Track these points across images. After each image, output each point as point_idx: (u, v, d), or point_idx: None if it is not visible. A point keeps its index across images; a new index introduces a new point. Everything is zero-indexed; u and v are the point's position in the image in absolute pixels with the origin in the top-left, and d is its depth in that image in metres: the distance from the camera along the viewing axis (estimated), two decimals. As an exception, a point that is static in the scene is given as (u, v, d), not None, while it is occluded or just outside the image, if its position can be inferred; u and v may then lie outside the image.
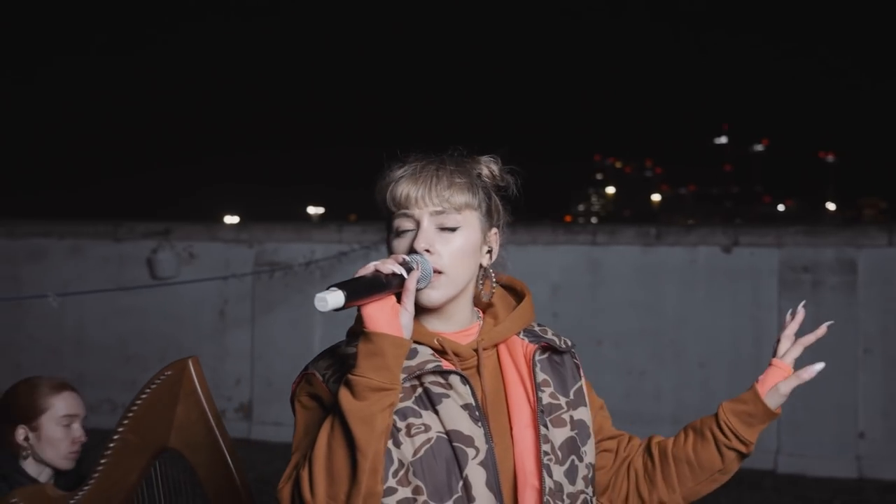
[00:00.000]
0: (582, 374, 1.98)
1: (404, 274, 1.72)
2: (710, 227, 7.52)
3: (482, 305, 1.96)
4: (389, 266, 1.70)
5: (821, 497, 6.60)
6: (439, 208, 1.82)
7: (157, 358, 8.31)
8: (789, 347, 1.95)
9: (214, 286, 7.99)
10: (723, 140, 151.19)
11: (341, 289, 1.61)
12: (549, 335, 1.97)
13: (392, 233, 1.85)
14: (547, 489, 1.81)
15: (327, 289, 1.62)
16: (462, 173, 1.86)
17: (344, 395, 1.66)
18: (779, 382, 1.93)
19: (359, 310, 1.68)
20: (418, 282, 1.76)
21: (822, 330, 1.95)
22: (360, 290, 1.65)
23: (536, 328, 1.98)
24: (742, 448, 1.95)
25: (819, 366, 1.93)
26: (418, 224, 1.81)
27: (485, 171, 1.91)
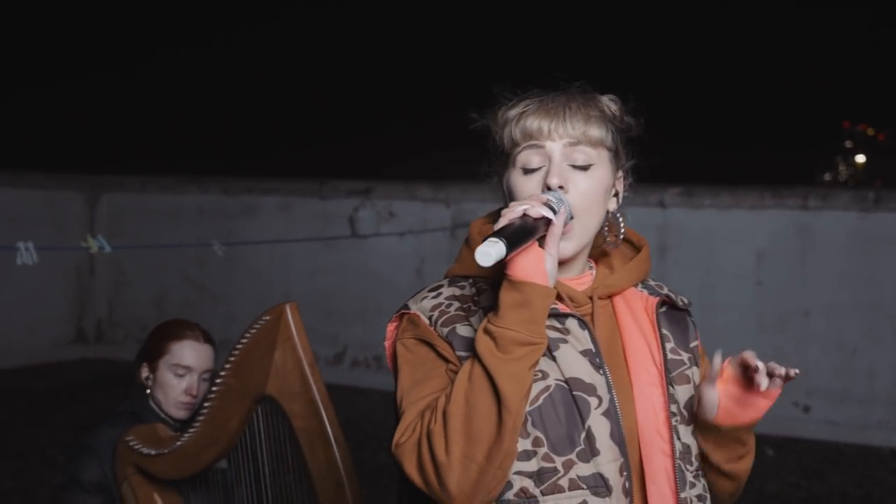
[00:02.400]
0: (698, 334, 1.81)
1: (552, 217, 1.56)
2: (935, 191, 6.85)
3: (595, 255, 1.80)
4: (538, 209, 1.55)
5: None
6: (573, 139, 1.66)
7: (357, 314, 8.50)
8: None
9: (412, 246, 8.06)
10: None
11: (500, 239, 1.48)
12: (666, 290, 1.82)
13: (514, 170, 1.69)
14: (678, 452, 1.67)
15: (484, 241, 1.48)
16: (593, 107, 1.71)
17: (486, 347, 1.53)
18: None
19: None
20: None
21: (791, 372, 1.61)
22: (518, 237, 1.51)
23: (652, 283, 1.82)
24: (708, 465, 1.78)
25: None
26: (549, 159, 1.66)
27: (607, 110, 1.73)
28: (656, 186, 7.60)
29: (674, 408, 1.68)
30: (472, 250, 1.62)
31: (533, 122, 1.67)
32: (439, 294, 1.72)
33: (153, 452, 2.50)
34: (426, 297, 1.72)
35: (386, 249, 8.21)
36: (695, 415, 1.72)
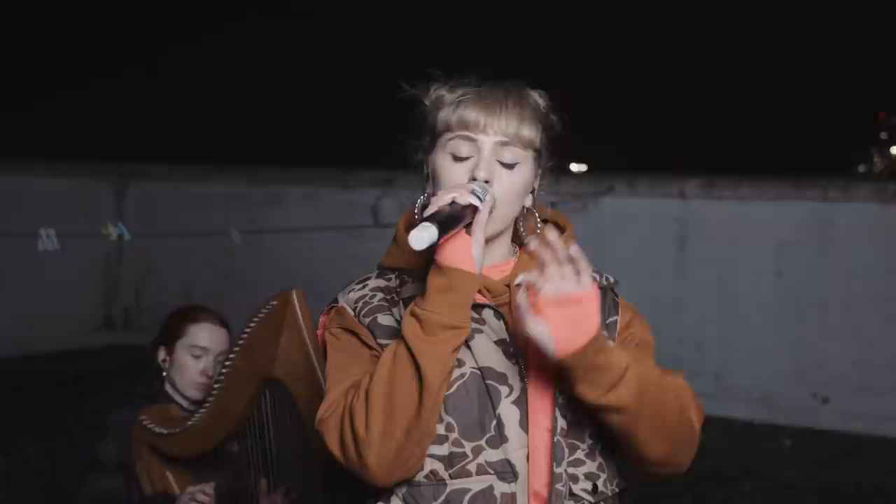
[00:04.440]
0: (620, 311, 1.82)
1: (479, 205, 1.64)
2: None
3: (520, 241, 1.85)
4: (466, 197, 1.63)
5: None
6: (506, 139, 1.72)
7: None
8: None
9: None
10: None
11: (433, 223, 1.55)
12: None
13: (443, 153, 1.75)
14: (558, 429, 1.70)
15: (416, 225, 1.56)
16: (527, 105, 1.76)
17: (412, 329, 1.61)
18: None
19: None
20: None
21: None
22: (448, 223, 1.59)
23: None
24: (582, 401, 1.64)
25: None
26: (479, 152, 1.72)
27: (539, 108, 1.79)
28: (676, 177, 7.62)
29: (561, 386, 1.69)
30: (399, 243, 1.76)
31: (470, 114, 1.72)
32: (365, 286, 1.81)
33: (165, 432, 2.60)
34: (353, 289, 1.81)
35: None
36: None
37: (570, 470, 1.71)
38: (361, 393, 1.63)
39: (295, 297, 2.39)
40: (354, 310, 1.77)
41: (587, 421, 1.72)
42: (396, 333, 1.66)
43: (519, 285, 1.69)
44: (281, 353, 2.37)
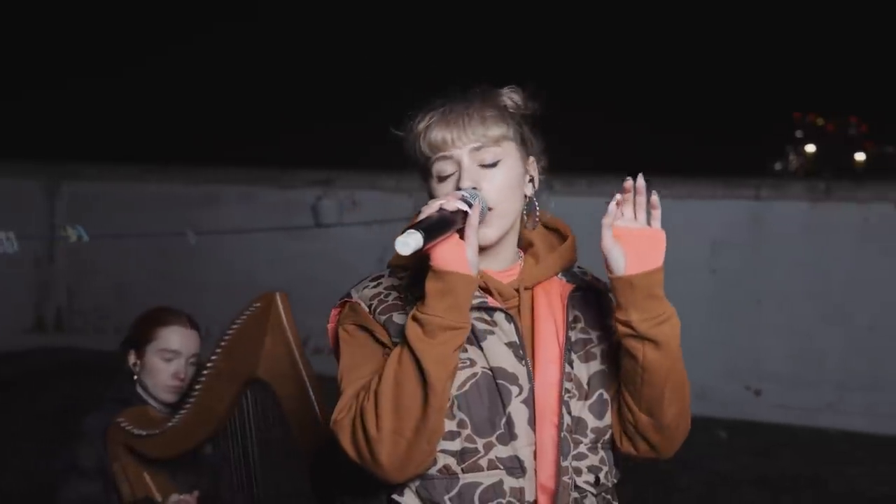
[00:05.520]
0: None
1: (468, 209, 1.70)
2: (885, 181, 7.09)
3: (524, 245, 1.93)
4: (454, 203, 1.70)
5: None
6: (477, 144, 1.80)
7: (320, 302, 8.57)
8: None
9: (375, 234, 8.16)
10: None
11: (418, 230, 1.62)
12: (590, 276, 1.95)
13: (433, 179, 1.83)
14: (565, 425, 1.79)
15: (403, 232, 1.63)
16: (491, 106, 1.84)
17: (414, 332, 1.67)
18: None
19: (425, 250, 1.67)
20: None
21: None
22: (434, 229, 1.66)
23: (577, 270, 1.94)
24: (628, 330, 1.75)
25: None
26: (459, 164, 1.80)
27: (509, 102, 1.87)
28: (614, 177, 7.76)
29: (569, 384, 1.80)
30: None
31: (437, 135, 1.80)
32: (379, 284, 1.87)
33: (144, 433, 2.61)
34: (367, 286, 1.87)
35: (349, 239, 8.31)
36: (613, 285, 1.76)
37: (575, 464, 1.80)
38: (371, 395, 1.70)
39: (278, 299, 2.42)
40: (370, 307, 1.82)
41: (591, 419, 1.82)
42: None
43: (528, 289, 1.81)
44: (265, 354, 2.41)
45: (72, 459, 2.71)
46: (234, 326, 2.44)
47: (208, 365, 2.48)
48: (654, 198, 1.76)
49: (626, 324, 1.74)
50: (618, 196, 1.77)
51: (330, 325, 1.90)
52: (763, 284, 7.22)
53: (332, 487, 1.92)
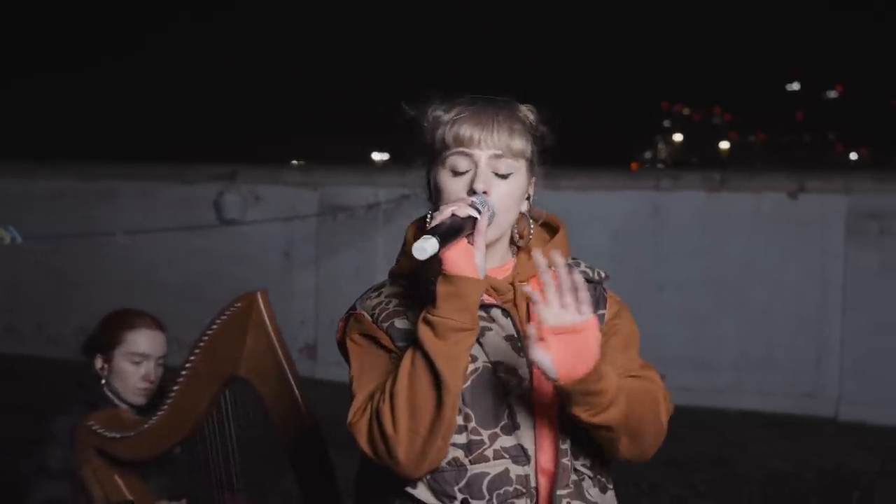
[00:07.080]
0: (608, 304, 2.01)
1: (477, 216, 1.79)
2: (776, 172, 7.44)
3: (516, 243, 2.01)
4: (465, 210, 1.78)
5: (884, 444, 6.56)
6: (499, 152, 1.88)
7: (224, 298, 8.44)
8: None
9: (280, 229, 8.12)
10: (795, 87, 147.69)
11: (433, 236, 1.71)
12: (583, 267, 2.03)
13: (443, 170, 1.89)
14: (558, 409, 1.87)
15: (419, 238, 1.71)
16: (518, 120, 1.92)
17: (426, 334, 1.75)
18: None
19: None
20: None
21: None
22: (448, 234, 1.74)
23: (570, 261, 2.02)
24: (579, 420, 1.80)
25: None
26: (476, 165, 1.87)
27: (527, 121, 1.95)
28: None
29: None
30: (407, 253, 1.90)
31: (465, 131, 1.88)
32: (381, 293, 1.95)
33: (118, 436, 2.59)
34: (370, 296, 1.96)
35: (253, 233, 8.25)
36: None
37: (573, 447, 1.90)
38: (386, 395, 1.78)
39: (260, 298, 2.44)
40: (372, 316, 1.91)
41: None
42: (412, 336, 1.81)
43: (523, 282, 1.88)
44: (246, 353, 2.43)
45: (40, 461, 2.68)
46: (214, 326, 2.45)
47: (186, 366, 2.48)
48: (577, 277, 1.70)
49: (575, 417, 1.79)
50: (528, 291, 1.72)
51: (337, 335, 1.97)
52: (663, 272, 7.48)
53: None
